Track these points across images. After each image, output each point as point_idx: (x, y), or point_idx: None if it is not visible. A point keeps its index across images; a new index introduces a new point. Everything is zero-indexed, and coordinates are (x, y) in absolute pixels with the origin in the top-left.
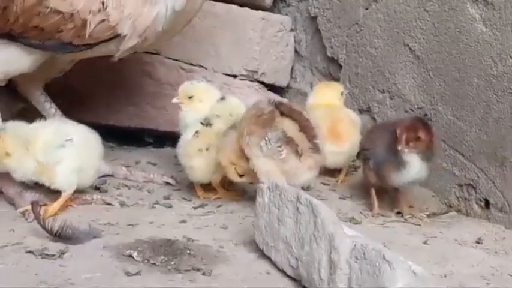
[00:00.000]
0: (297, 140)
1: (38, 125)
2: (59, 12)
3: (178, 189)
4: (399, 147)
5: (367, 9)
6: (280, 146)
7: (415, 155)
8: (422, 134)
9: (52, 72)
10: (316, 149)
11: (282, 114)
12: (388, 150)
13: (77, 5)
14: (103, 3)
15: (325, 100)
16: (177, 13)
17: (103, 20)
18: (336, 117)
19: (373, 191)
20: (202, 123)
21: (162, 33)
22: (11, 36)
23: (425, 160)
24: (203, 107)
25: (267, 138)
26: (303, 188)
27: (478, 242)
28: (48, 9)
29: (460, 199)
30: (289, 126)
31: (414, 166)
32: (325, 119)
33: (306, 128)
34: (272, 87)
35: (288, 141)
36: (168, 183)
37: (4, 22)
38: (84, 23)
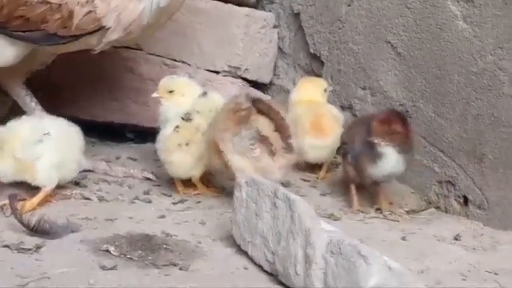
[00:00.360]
0: (272, 139)
1: (14, 122)
2: (47, 2)
3: (158, 185)
4: (373, 140)
5: (349, 5)
6: (253, 144)
7: (390, 148)
8: (397, 127)
9: (33, 65)
10: (289, 148)
11: (259, 111)
12: (365, 144)
13: None
14: None
15: (308, 96)
16: (162, 8)
17: (90, 12)
18: (318, 112)
19: (352, 187)
20: (183, 118)
21: (146, 27)
22: None
23: (401, 153)
24: (185, 101)
25: (240, 136)
26: (282, 185)
27: (456, 239)
28: (36, 0)
29: (440, 196)
30: (264, 125)
31: (390, 159)
32: (308, 114)
33: (281, 127)
34: (255, 84)
35: (263, 140)
36: (148, 179)
37: None
38: (71, 14)
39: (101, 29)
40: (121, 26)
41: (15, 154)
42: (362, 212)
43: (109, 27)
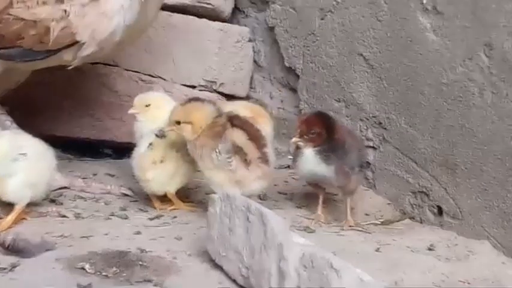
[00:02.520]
0: (246, 148)
1: None
2: (22, 19)
3: (136, 201)
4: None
5: (322, 19)
6: (229, 158)
7: (309, 149)
8: (316, 128)
9: (8, 84)
10: (264, 158)
11: (233, 125)
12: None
13: (40, 14)
14: (65, 11)
15: None
16: (131, 26)
17: (65, 27)
18: None
19: (321, 196)
20: (156, 135)
21: (118, 43)
22: None
23: (320, 154)
24: (160, 115)
25: (217, 150)
26: (259, 198)
27: (430, 249)
28: (12, 17)
29: (414, 206)
30: (238, 136)
31: (307, 159)
32: None
33: (255, 137)
34: (231, 98)
35: (237, 150)
36: (125, 195)
37: None
38: (47, 30)
39: (75, 43)
40: (95, 41)
41: None
42: (322, 221)
43: (84, 42)
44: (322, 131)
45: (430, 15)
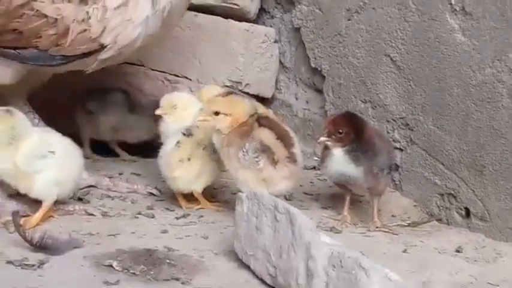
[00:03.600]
0: (274, 148)
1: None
2: (43, 15)
3: (162, 200)
4: (318, 140)
5: (349, 20)
6: (257, 157)
7: (338, 149)
8: (344, 128)
9: (32, 83)
10: (292, 158)
11: (260, 125)
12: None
13: (63, 11)
14: (87, 13)
15: None
16: (150, 35)
17: (84, 30)
18: None
19: (347, 197)
20: (184, 134)
21: (136, 50)
22: None
23: (349, 154)
24: (187, 116)
25: (244, 149)
26: (285, 198)
27: (458, 251)
28: (33, 12)
29: (441, 208)
30: (266, 135)
31: (336, 159)
32: None
33: (283, 136)
34: (256, 98)
35: (265, 149)
36: (151, 194)
37: None
38: (66, 30)
39: (99, 49)
40: (116, 46)
41: (18, 163)
42: (348, 222)
43: (106, 45)
44: (350, 130)
45: (458, 15)
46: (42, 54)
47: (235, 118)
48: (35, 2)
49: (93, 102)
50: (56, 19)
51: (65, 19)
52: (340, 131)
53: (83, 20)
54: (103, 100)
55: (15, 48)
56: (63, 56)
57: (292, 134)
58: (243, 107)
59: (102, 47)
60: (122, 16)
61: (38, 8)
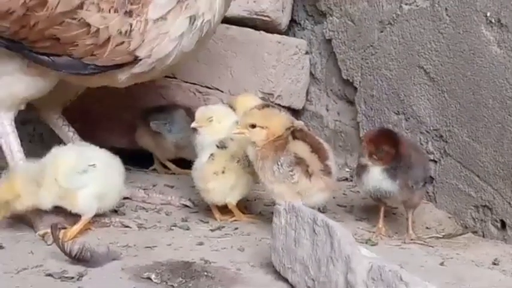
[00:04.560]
0: (308, 160)
1: (58, 150)
2: (86, 24)
3: (196, 212)
4: (362, 160)
5: (382, 31)
6: (292, 171)
7: (377, 167)
8: (385, 147)
9: (68, 95)
10: (327, 171)
11: (295, 137)
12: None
13: (109, 21)
14: (131, 25)
15: None
16: (184, 53)
17: (123, 42)
18: None
19: (382, 209)
20: (217, 146)
21: (167, 67)
22: (19, 47)
23: (387, 171)
24: (222, 128)
25: (279, 163)
26: (318, 210)
27: (494, 263)
28: (75, 21)
29: (476, 220)
30: (301, 148)
31: (373, 176)
32: None
33: (318, 149)
34: (288, 110)
35: (299, 162)
36: (185, 206)
37: (21, 26)
38: (106, 41)
39: (132, 62)
40: (149, 60)
41: (58, 181)
42: (383, 234)
43: (140, 59)
44: (391, 149)
45: (494, 28)
46: (75, 62)
47: (271, 131)
48: (81, 10)
49: (158, 121)
50: (98, 29)
51: (109, 29)
52: (381, 149)
53: (126, 32)
54: (166, 118)
55: (49, 55)
56: (96, 65)
57: (326, 146)
58: (280, 120)
59: (136, 60)
60: (159, 29)
61: (83, 17)
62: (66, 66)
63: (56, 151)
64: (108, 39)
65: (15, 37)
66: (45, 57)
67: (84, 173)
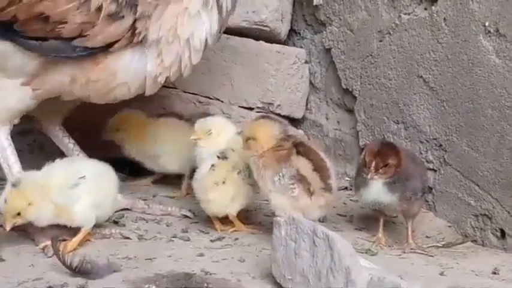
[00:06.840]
0: (310, 179)
1: (48, 168)
2: None
3: (196, 222)
4: (367, 176)
5: (381, 41)
6: (292, 184)
7: (379, 180)
8: (390, 160)
9: (67, 106)
10: (328, 188)
11: (299, 153)
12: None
13: None
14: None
15: None
16: (193, 66)
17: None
18: None
19: (381, 219)
20: (218, 157)
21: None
22: (9, 32)
23: (388, 185)
24: (221, 141)
25: (281, 174)
26: (319, 220)
27: (494, 273)
28: None
29: (476, 229)
30: (303, 165)
31: (373, 190)
32: None
33: (320, 168)
34: (288, 119)
35: (301, 179)
36: (186, 216)
37: (9, 1)
38: (98, 9)
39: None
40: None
41: (52, 199)
42: (383, 244)
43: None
44: (394, 162)
45: (492, 37)
46: (63, 45)
47: (259, 141)
48: None
49: None
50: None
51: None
52: (386, 163)
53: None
54: None
55: (37, 40)
56: (85, 47)
57: (329, 164)
58: (267, 131)
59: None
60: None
61: None
62: (54, 49)
63: (45, 170)
64: (99, 12)
65: (4, 17)
66: (33, 42)
67: (75, 186)
